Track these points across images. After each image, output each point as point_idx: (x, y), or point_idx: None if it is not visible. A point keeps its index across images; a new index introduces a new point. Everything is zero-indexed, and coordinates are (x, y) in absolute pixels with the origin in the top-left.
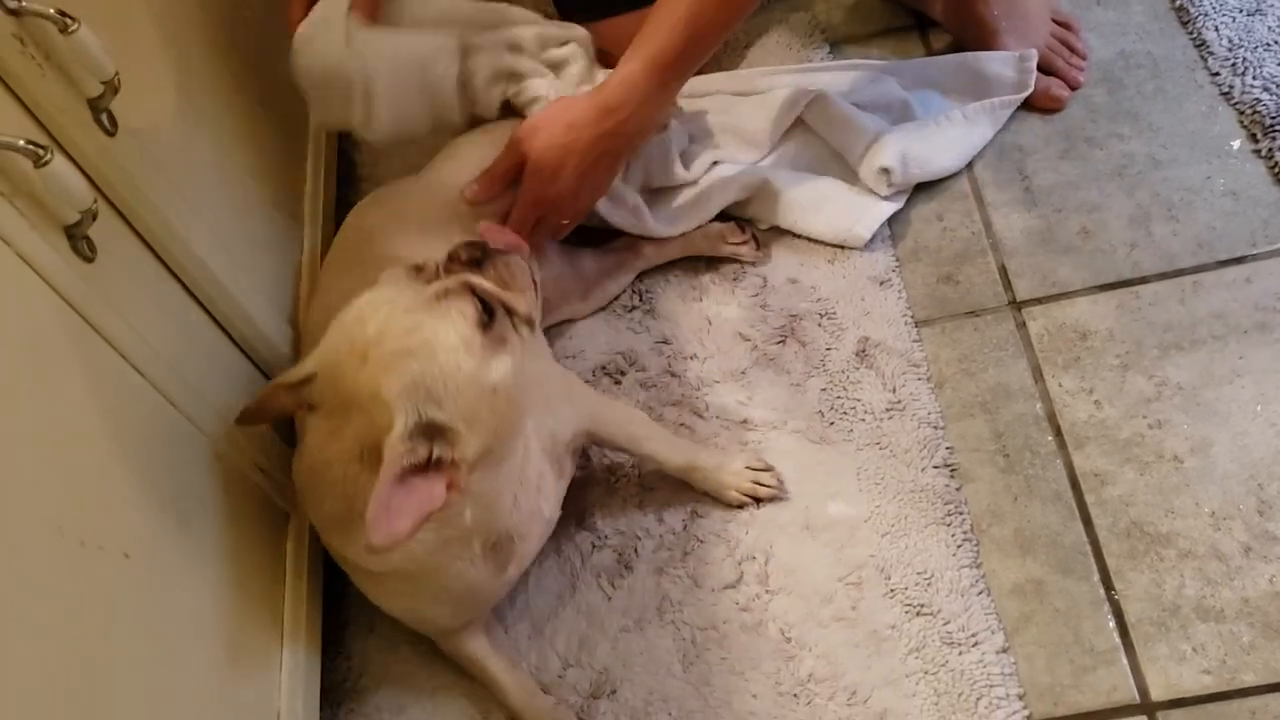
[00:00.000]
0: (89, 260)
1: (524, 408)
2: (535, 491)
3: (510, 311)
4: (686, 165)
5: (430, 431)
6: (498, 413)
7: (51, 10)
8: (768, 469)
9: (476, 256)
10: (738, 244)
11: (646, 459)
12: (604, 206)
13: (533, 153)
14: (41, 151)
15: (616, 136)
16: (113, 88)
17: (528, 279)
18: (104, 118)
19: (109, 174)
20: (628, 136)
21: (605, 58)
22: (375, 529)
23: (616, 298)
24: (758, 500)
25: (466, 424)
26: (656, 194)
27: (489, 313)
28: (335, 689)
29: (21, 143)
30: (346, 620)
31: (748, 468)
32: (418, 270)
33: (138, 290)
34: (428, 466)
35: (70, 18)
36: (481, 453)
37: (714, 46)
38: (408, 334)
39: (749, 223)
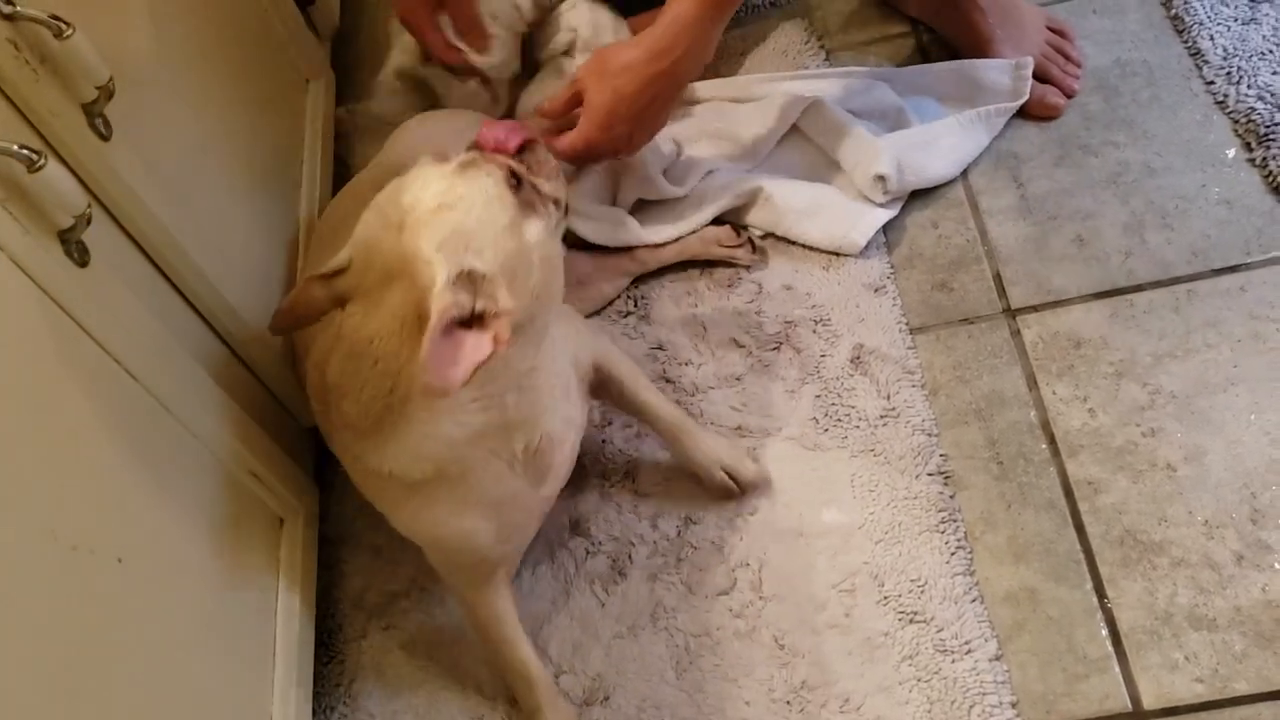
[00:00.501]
0: (83, 265)
1: (558, 285)
2: (565, 397)
3: (536, 188)
4: (680, 178)
5: (472, 283)
6: (533, 274)
7: (46, 15)
8: (753, 459)
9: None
10: (733, 247)
11: (641, 409)
12: (584, 226)
13: (590, 95)
14: (35, 156)
15: (669, 77)
16: (107, 93)
17: (554, 166)
18: (98, 122)
19: (103, 179)
20: (678, 77)
21: None
22: (430, 371)
23: (611, 302)
24: (737, 485)
25: (506, 277)
26: (648, 203)
27: (517, 180)
28: (328, 693)
29: (15, 147)
30: (340, 624)
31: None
32: (441, 159)
33: (131, 295)
34: (472, 321)
35: (65, 23)
36: (520, 315)
37: None
38: (442, 194)
39: (744, 228)
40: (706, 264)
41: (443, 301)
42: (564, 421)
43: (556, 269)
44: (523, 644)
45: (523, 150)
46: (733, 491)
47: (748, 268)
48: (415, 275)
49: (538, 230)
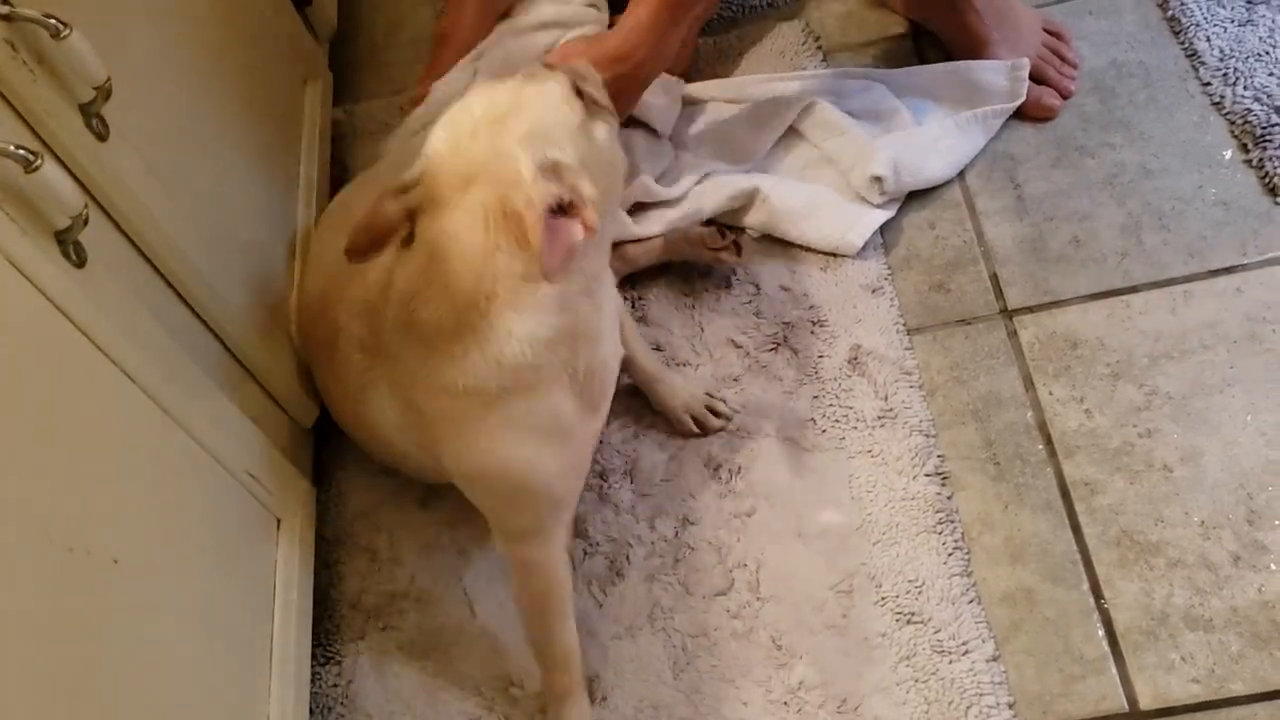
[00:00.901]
0: (80, 266)
1: (621, 190)
2: (613, 326)
3: (595, 98)
4: (676, 180)
5: (557, 173)
6: (603, 172)
7: (43, 15)
8: (723, 401)
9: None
10: (719, 249)
11: (630, 351)
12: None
13: None
14: (32, 157)
15: (630, 79)
16: (104, 93)
17: (602, 83)
18: (95, 123)
19: (100, 179)
20: (640, 79)
21: None
22: (545, 254)
23: None
24: (704, 431)
25: (585, 169)
26: (645, 205)
27: (578, 89)
28: (325, 694)
29: (12, 148)
30: (337, 625)
31: (706, 393)
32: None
33: (129, 295)
34: (559, 211)
35: (62, 23)
36: (599, 208)
37: None
38: (514, 98)
39: (740, 230)
40: (705, 265)
41: (538, 188)
42: (612, 350)
43: (620, 174)
44: (571, 619)
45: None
46: (694, 433)
47: (734, 270)
48: (497, 173)
49: (604, 132)
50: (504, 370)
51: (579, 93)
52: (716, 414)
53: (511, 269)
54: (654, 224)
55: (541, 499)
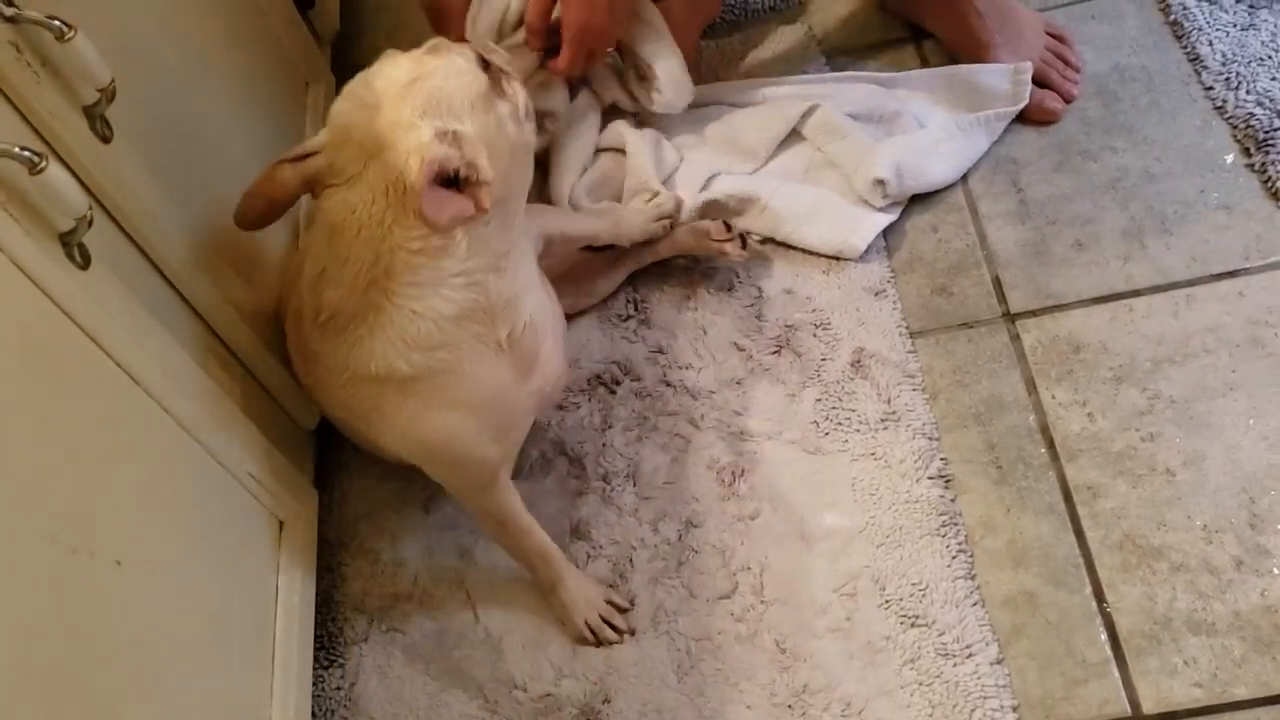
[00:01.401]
0: (84, 267)
1: (528, 175)
2: (540, 286)
3: (503, 71)
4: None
5: (456, 143)
6: (507, 151)
7: (48, 17)
8: (625, 609)
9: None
10: (724, 240)
11: (577, 240)
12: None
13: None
14: (37, 159)
15: None
16: (108, 95)
17: (519, 69)
18: (99, 125)
19: (104, 181)
20: None
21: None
22: (426, 207)
23: (608, 300)
24: (598, 640)
25: (485, 146)
26: None
27: (484, 63)
28: (328, 696)
29: (17, 149)
30: (340, 628)
31: (608, 601)
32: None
33: (132, 297)
34: (456, 184)
35: (67, 25)
36: (496, 191)
37: None
38: (415, 69)
39: (745, 235)
40: (708, 268)
41: (432, 151)
42: (539, 310)
43: (527, 159)
44: (535, 529)
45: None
46: (589, 641)
47: (739, 263)
48: (397, 142)
49: (507, 109)
50: (414, 352)
51: (485, 66)
52: (614, 628)
53: (409, 243)
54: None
55: (477, 465)
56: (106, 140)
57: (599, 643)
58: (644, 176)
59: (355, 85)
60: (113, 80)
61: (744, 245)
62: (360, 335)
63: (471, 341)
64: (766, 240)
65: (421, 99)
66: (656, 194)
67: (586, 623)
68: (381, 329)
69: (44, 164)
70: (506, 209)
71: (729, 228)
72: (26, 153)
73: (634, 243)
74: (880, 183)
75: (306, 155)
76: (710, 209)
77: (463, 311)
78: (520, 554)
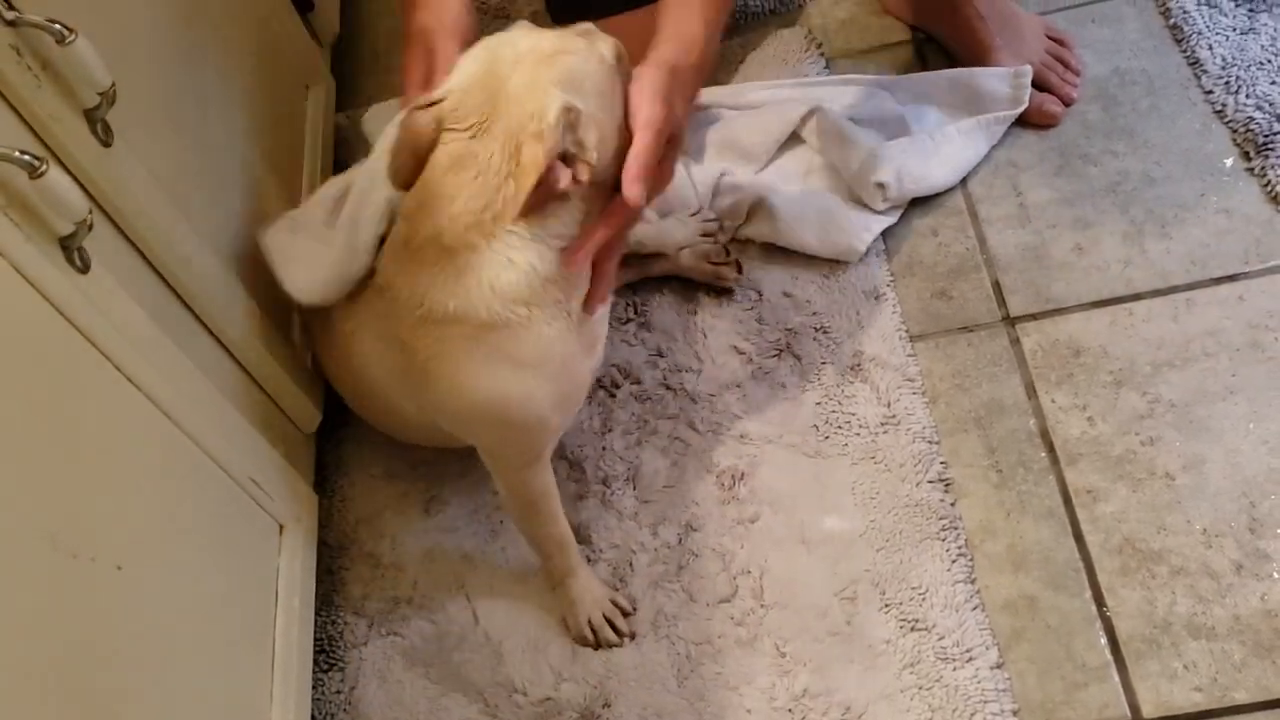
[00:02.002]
0: (83, 271)
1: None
2: None
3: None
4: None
5: (573, 124)
6: (612, 144)
7: (49, 21)
8: (628, 613)
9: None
10: (720, 264)
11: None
12: None
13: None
14: (37, 163)
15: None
16: (109, 99)
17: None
18: (100, 128)
19: (104, 185)
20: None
21: None
22: (524, 196)
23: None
24: (597, 643)
25: (597, 130)
26: None
27: (617, 53)
28: (328, 700)
29: (17, 154)
30: (340, 632)
31: (612, 603)
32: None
33: (132, 301)
34: (563, 158)
35: (67, 29)
36: (597, 173)
37: None
38: (563, 43)
39: (743, 242)
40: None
41: (555, 134)
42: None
43: (621, 153)
44: (561, 516)
45: None
46: (589, 642)
47: (732, 289)
48: (528, 103)
49: (620, 108)
50: (496, 297)
51: (618, 60)
52: (616, 630)
53: (520, 199)
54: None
55: (534, 432)
56: (107, 144)
57: (599, 645)
58: (684, 194)
59: (496, 43)
60: (113, 84)
61: (739, 269)
62: (447, 272)
63: (550, 305)
64: (766, 243)
65: (560, 71)
66: (698, 211)
67: (589, 621)
68: (471, 270)
69: (44, 168)
70: (600, 190)
71: (727, 251)
72: (27, 157)
73: (678, 249)
74: (880, 186)
75: (433, 103)
76: (723, 213)
77: (551, 274)
78: (541, 540)
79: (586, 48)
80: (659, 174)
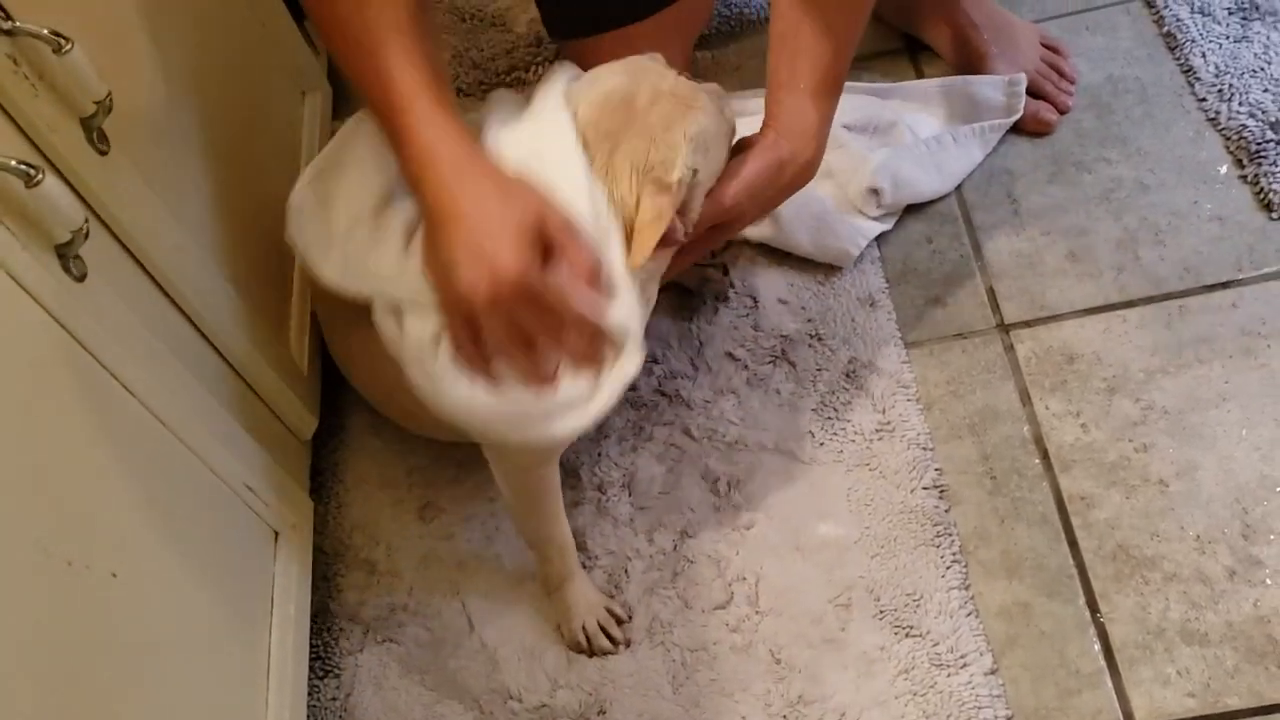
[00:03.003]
0: (80, 280)
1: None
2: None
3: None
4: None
5: (689, 181)
6: (705, 192)
7: (45, 30)
8: (622, 621)
9: None
10: (705, 265)
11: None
12: None
13: (742, 173)
14: (33, 171)
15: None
16: (105, 107)
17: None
18: (96, 137)
19: (101, 193)
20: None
21: None
22: (648, 249)
23: None
24: (591, 650)
25: (704, 191)
26: None
27: (732, 123)
28: (323, 707)
29: (13, 163)
30: (335, 638)
31: (607, 610)
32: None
33: (128, 309)
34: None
35: (64, 38)
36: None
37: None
38: (701, 99)
39: (742, 244)
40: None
41: (681, 180)
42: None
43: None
44: (564, 519)
45: None
46: (582, 648)
47: (732, 284)
48: (660, 140)
49: (722, 166)
50: None
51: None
52: (610, 637)
53: (648, 249)
54: None
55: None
56: (103, 153)
57: (593, 652)
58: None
59: (641, 69)
60: (109, 93)
61: (726, 272)
62: None
63: None
64: (760, 247)
65: (695, 127)
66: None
67: (584, 628)
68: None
69: (40, 177)
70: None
71: (714, 254)
72: (23, 166)
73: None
74: (875, 192)
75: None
76: None
77: None
78: (540, 542)
79: (718, 110)
80: (685, 251)
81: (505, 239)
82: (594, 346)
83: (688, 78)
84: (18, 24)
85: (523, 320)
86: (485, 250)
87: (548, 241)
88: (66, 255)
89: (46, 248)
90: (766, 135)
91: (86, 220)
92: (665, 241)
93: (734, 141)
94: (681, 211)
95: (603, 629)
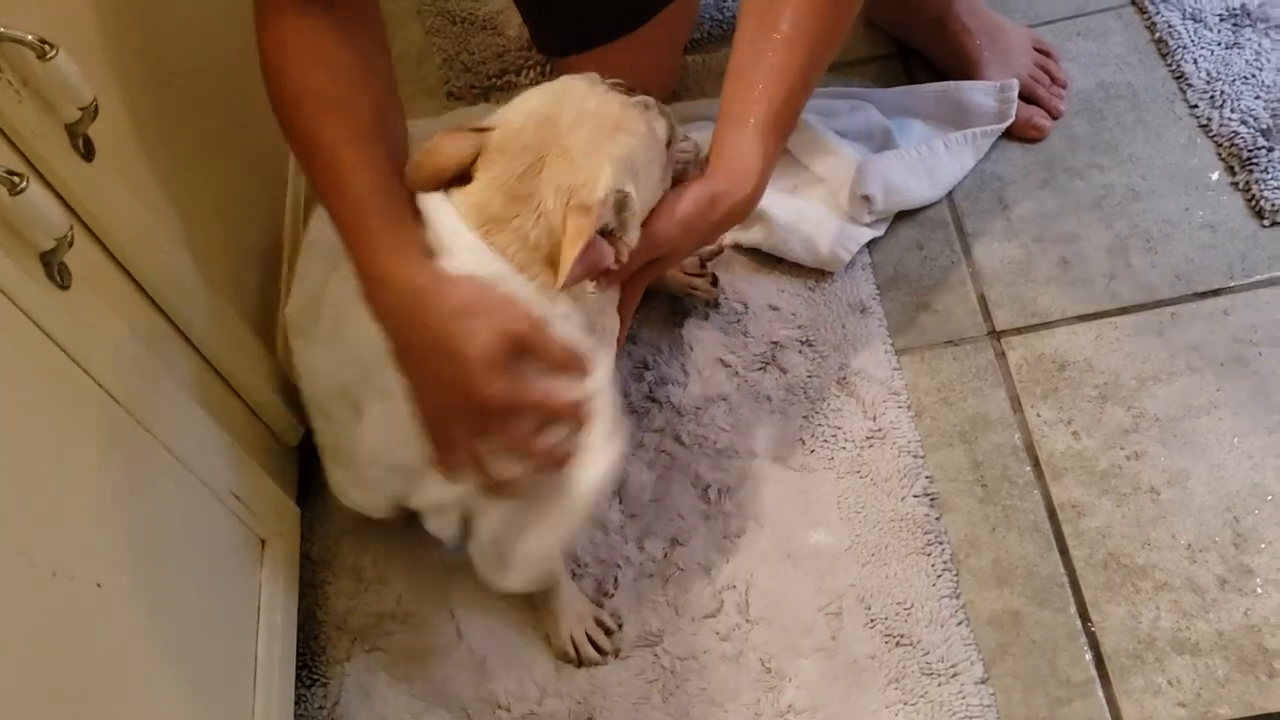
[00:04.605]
0: (64, 287)
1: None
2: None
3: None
4: None
5: (621, 205)
6: (643, 216)
7: (30, 36)
8: (611, 631)
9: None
10: (694, 274)
11: None
12: None
13: (678, 206)
14: (17, 179)
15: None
16: (90, 114)
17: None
18: (81, 143)
19: (86, 200)
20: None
21: None
22: (568, 269)
23: None
24: (579, 660)
25: (640, 215)
26: None
27: (670, 135)
28: (311, 717)
29: None
30: (323, 647)
31: (596, 620)
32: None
33: (113, 316)
34: (605, 233)
35: (49, 44)
36: (632, 257)
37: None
38: (630, 118)
39: (735, 247)
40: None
41: (605, 205)
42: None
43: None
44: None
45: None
46: (570, 658)
47: (706, 301)
48: (582, 165)
49: (664, 187)
50: None
51: (669, 143)
52: (598, 648)
53: (567, 268)
54: None
55: None
56: (88, 159)
57: (581, 662)
58: None
59: (563, 90)
60: (94, 99)
61: (714, 282)
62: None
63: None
64: (752, 253)
65: (621, 149)
66: None
67: (572, 638)
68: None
69: (24, 184)
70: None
71: (703, 264)
72: (7, 174)
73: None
74: (866, 199)
75: (482, 130)
76: None
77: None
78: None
79: (647, 128)
80: (628, 285)
81: (473, 365)
82: (574, 421)
83: (622, 92)
84: (2, 30)
85: (513, 428)
86: (457, 381)
87: (516, 345)
88: (51, 263)
89: (31, 255)
90: (706, 169)
91: (71, 227)
92: (600, 269)
93: (678, 162)
94: (615, 235)
95: (591, 640)
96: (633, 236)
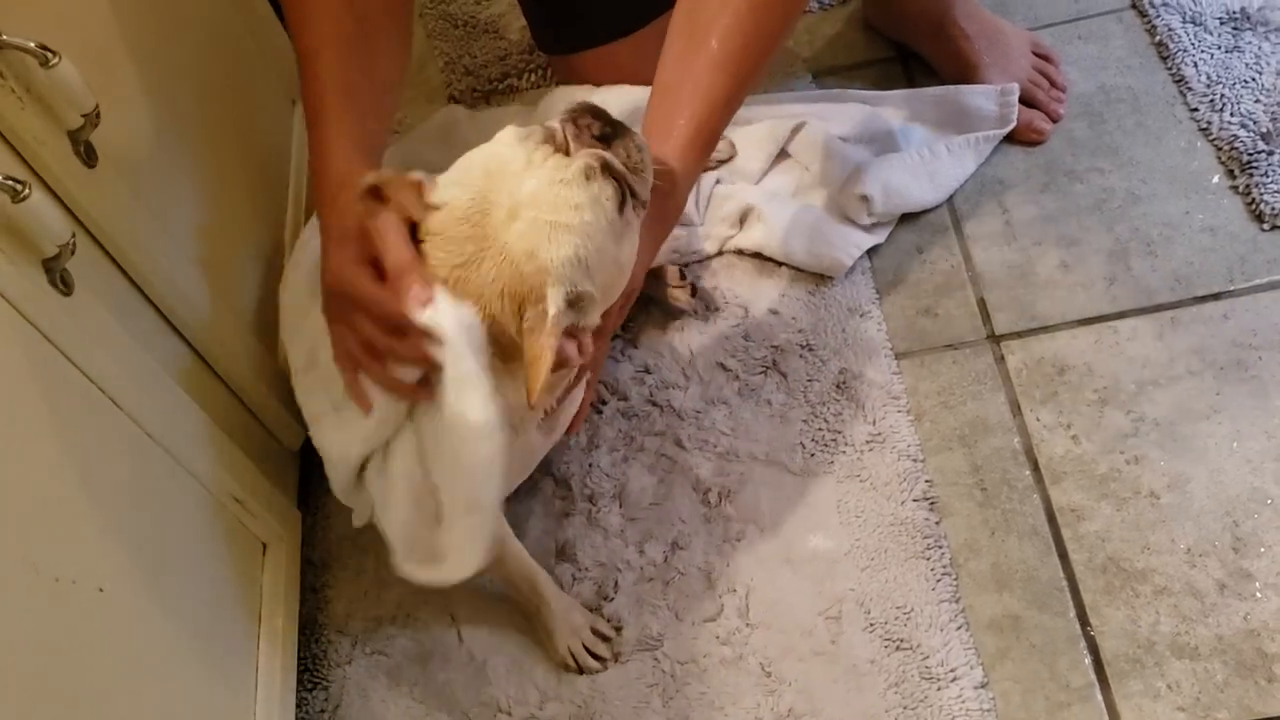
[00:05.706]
0: (66, 293)
1: (620, 287)
2: None
3: (634, 194)
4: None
5: (577, 302)
6: (615, 287)
7: (32, 44)
8: (609, 638)
9: (607, 133)
10: (676, 286)
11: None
12: None
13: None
14: (20, 186)
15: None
16: (93, 120)
17: (649, 158)
18: (84, 150)
19: (88, 206)
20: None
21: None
22: (537, 393)
23: None
24: (580, 670)
25: (601, 296)
26: None
27: (622, 197)
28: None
29: (1, 178)
30: (324, 650)
31: (593, 630)
32: (547, 136)
33: (116, 321)
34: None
35: (51, 51)
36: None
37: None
38: (568, 209)
39: (737, 253)
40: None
41: (559, 324)
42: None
43: (624, 275)
44: (523, 553)
45: (625, 134)
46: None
47: (687, 311)
48: (526, 270)
49: (629, 249)
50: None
51: (622, 199)
52: (597, 656)
53: (536, 390)
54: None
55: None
56: (91, 165)
57: (580, 671)
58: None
59: (495, 170)
60: (97, 105)
61: (694, 293)
62: None
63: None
64: (753, 257)
65: (568, 250)
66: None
67: (570, 650)
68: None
69: (28, 192)
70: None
71: (683, 275)
72: (10, 181)
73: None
74: (865, 199)
75: (430, 206)
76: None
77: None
78: (508, 576)
79: (592, 210)
80: (600, 334)
81: (329, 239)
82: (407, 345)
83: (566, 139)
84: (5, 37)
85: (360, 326)
86: (324, 258)
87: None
88: (54, 269)
89: (33, 262)
90: None
91: (74, 234)
92: (564, 365)
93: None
94: (576, 331)
95: (588, 649)
96: (593, 320)
